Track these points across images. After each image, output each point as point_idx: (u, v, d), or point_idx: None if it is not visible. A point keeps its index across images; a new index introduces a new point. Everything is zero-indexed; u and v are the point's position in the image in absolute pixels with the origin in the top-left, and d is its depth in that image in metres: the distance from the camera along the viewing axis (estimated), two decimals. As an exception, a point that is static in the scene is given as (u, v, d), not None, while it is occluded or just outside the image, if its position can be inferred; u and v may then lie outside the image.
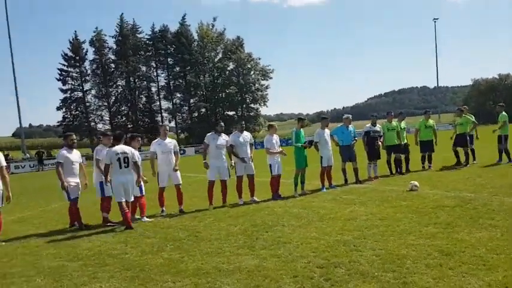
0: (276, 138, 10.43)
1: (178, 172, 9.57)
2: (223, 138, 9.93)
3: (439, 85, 77.88)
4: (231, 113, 69.43)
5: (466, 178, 10.84)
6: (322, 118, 11.47)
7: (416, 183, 9.72)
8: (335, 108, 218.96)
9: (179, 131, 66.88)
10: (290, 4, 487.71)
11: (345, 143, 11.62)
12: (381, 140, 12.50)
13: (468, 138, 13.71)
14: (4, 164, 7.64)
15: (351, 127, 11.78)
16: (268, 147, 10.22)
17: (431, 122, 13.87)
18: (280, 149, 10.45)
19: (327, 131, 11.13)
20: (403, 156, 13.08)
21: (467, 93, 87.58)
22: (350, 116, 12.03)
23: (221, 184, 9.84)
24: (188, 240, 6.86)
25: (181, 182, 9.69)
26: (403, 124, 13.46)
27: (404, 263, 4.93)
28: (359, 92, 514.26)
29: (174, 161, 9.52)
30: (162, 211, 9.43)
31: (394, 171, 12.86)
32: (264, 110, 71.26)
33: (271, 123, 10.88)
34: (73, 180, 8.49)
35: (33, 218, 10.37)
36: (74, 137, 8.95)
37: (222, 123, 10.30)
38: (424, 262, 4.90)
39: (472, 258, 4.89)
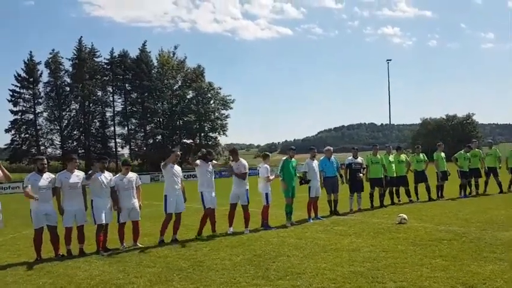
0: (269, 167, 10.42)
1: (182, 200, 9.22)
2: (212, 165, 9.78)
3: (386, 123, 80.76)
4: (188, 141, 68.59)
5: (448, 212, 11.18)
6: (310, 149, 11.55)
7: (404, 216, 9.85)
8: (286, 140, 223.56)
9: (133, 158, 65.24)
10: (241, 37, 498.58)
11: (327, 175, 11.72)
12: (363, 172, 12.67)
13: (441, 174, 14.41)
14: None
15: (332, 158, 11.93)
16: (267, 176, 10.16)
17: (403, 157, 14.23)
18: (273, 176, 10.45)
19: (316, 162, 11.23)
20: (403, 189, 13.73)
21: (416, 131, 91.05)
22: (331, 148, 12.22)
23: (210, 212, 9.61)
24: (194, 270, 6.59)
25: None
26: (402, 157, 13.92)
27: (432, 294, 4.98)
28: (309, 126, 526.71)
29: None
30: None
31: (375, 205, 12.89)
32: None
33: (266, 152, 11.13)
34: (42, 207, 7.78)
35: (8, 245, 9.59)
36: (45, 161, 8.28)
37: (204, 150, 10.07)
38: (451, 294, 4.97)
39: (496, 290, 5.01)
